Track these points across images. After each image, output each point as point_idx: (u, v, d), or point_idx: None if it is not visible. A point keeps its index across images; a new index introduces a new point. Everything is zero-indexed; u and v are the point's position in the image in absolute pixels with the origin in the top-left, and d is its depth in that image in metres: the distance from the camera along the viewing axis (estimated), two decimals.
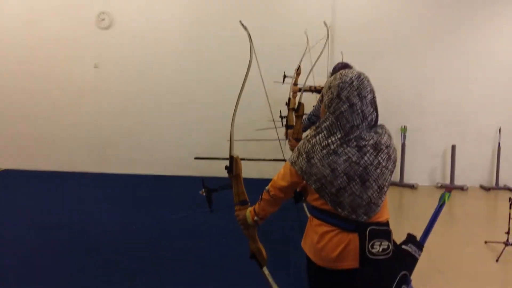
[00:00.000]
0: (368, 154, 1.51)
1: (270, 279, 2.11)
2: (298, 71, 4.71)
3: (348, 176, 1.50)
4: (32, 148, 6.74)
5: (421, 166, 6.35)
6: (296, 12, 6.21)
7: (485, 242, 3.96)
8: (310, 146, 1.55)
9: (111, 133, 6.66)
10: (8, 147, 6.79)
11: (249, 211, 1.88)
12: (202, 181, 2.04)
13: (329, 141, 1.51)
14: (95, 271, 3.33)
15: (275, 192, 1.72)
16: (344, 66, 3.47)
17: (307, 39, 4.80)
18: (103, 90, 6.60)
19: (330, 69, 5.32)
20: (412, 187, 6.12)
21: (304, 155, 1.56)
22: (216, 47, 6.35)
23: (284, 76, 5.19)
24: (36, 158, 6.74)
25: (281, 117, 4.49)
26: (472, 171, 6.26)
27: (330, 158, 1.51)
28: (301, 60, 4.52)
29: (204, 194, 2.04)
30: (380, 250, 1.53)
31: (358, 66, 3.61)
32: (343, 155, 1.50)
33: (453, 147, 6.12)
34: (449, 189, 1.87)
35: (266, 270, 2.10)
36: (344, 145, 1.51)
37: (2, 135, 6.77)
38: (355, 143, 1.51)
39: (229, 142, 2.05)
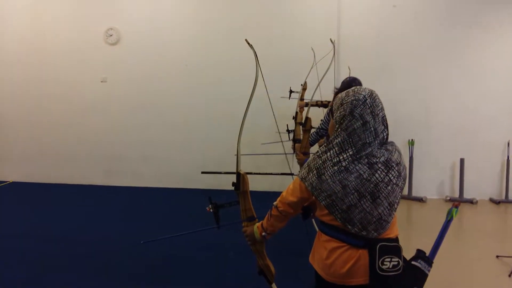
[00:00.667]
0: (379, 172, 1.50)
1: None
2: (304, 86, 4.73)
3: (359, 193, 1.49)
4: (39, 161, 6.80)
5: (429, 180, 6.29)
6: (302, 27, 6.25)
7: (497, 256, 3.88)
8: (320, 162, 1.54)
9: (118, 146, 6.70)
10: (15, 159, 6.86)
11: (256, 226, 1.87)
12: (209, 198, 2.03)
13: (341, 157, 1.50)
14: (100, 283, 3.31)
15: (284, 208, 1.71)
16: (352, 80, 3.46)
17: (314, 54, 4.83)
18: (111, 104, 6.66)
19: (337, 84, 5.34)
20: (420, 200, 6.06)
21: (315, 171, 1.55)
22: (223, 62, 6.40)
23: (290, 92, 5.21)
24: (43, 171, 6.79)
25: (288, 131, 4.50)
26: (481, 184, 6.18)
27: (342, 175, 1.49)
28: (307, 76, 4.58)
29: (211, 210, 2.03)
30: (391, 266, 1.51)
31: (364, 79, 3.62)
32: (354, 172, 1.49)
33: (462, 160, 6.06)
34: (456, 204, 1.84)
35: (274, 287, 2.08)
36: (356, 162, 1.50)
37: (9, 148, 6.85)
38: (366, 160, 1.50)
39: (236, 156, 2.04)
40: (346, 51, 6.18)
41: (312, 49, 4.88)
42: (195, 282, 3.40)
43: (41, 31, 6.63)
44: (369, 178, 1.49)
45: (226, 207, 2.04)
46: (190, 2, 6.54)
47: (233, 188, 1.98)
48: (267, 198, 1.94)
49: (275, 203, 1.76)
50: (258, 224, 1.89)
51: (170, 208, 5.64)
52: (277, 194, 1.78)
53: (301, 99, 4.68)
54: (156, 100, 6.56)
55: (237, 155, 2.02)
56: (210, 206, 2.03)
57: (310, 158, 1.62)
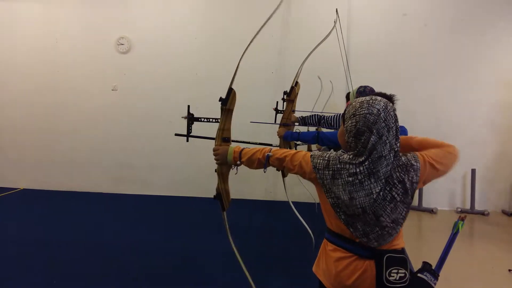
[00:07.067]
0: (382, 191, 1.48)
1: (227, 225, 2.10)
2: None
3: (363, 209, 1.49)
4: (50, 169, 6.87)
5: (440, 190, 6.20)
6: (311, 34, 6.23)
7: (509, 270, 3.79)
8: (340, 166, 1.52)
9: (126, 154, 6.75)
10: (26, 167, 6.93)
11: (233, 150, 1.85)
12: (188, 106, 2.06)
13: (357, 170, 1.48)
14: None
15: (292, 168, 1.68)
16: (365, 88, 3.43)
17: (321, 83, 4.71)
18: (121, 112, 6.73)
19: (345, 90, 5.28)
20: (431, 211, 5.97)
21: (331, 172, 1.53)
22: (233, 70, 6.39)
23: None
24: (53, 178, 6.86)
25: (276, 110, 3.89)
26: (493, 195, 6.09)
27: (354, 187, 1.48)
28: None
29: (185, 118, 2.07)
30: (398, 278, 1.48)
31: (374, 89, 3.60)
32: (367, 189, 1.47)
33: (473, 171, 5.97)
34: (462, 217, 1.81)
35: (225, 215, 2.09)
36: (370, 176, 1.47)
37: (21, 155, 6.93)
38: (377, 176, 1.47)
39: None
40: (355, 60, 6.16)
41: (319, 77, 4.76)
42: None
43: (53, 39, 6.73)
44: (373, 197, 1.47)
45: (202, 121, 2.11)
46: (201, 11, 6.60)
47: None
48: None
49: (281, 156, 1.71)
50: (235, 148, 1.85)
51: (179, 215, 5.64)
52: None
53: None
54: (164, 109, 6.59)
55: (235, 72, 2.09)
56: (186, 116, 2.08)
57: (332, 154, 1.57)
